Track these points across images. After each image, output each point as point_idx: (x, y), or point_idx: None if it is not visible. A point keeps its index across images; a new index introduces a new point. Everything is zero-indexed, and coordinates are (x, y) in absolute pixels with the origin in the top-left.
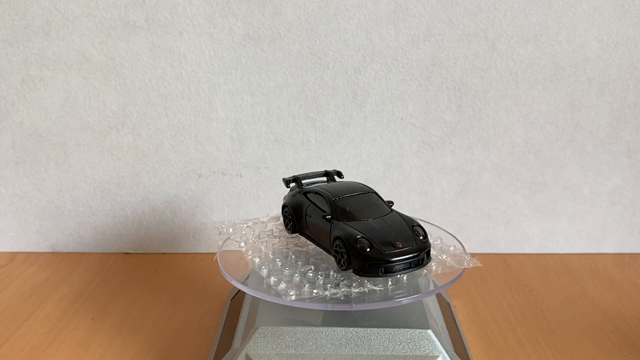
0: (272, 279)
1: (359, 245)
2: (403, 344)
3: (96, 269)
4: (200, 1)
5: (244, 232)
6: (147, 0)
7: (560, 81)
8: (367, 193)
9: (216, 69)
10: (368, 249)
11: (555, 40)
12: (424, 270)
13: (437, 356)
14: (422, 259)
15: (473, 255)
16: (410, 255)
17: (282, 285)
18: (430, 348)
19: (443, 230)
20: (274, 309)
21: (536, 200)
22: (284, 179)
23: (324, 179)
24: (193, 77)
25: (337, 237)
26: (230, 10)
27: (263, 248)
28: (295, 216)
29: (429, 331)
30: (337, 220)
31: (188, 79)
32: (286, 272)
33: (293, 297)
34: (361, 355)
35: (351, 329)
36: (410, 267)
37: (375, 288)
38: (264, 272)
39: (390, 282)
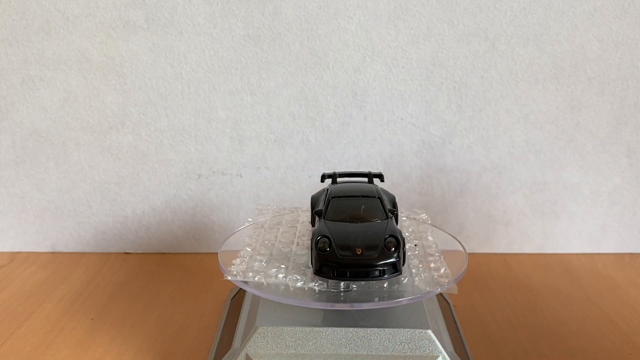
0: (239, 260)
1: (319, 245)
2: (403, 344)
3: (96, 269)
4: (200, 1)
5: (272, 217)
6: (147, 0)
7: (560, 81)
8: (368, 197)
9: (216, 69)
10: (327, 249)
11: (555, 40)
12: (378, 284)
13: (437, 356)
14: (383, 271)
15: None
16: (367, 265)
17: (238, 267)
18: (430, 348)
19: (443, 231)
20: (274, 309)
21: (536, 200)
22: (323, 174)
23: (365, 179)
24: (193, 77)
25: (312, 234)
26: (230, 10)
27: (268, 234)
28: (312, 209)
29: (429, 331)
30: (324, 218)
31: (188, 79)
32: (258, 257)
33: (229, 277)
34: (361, 355)
35: (351, 329)
36: (366, 276)
37: (315, 288)
38: (242, 254)
39: (341, 286)
